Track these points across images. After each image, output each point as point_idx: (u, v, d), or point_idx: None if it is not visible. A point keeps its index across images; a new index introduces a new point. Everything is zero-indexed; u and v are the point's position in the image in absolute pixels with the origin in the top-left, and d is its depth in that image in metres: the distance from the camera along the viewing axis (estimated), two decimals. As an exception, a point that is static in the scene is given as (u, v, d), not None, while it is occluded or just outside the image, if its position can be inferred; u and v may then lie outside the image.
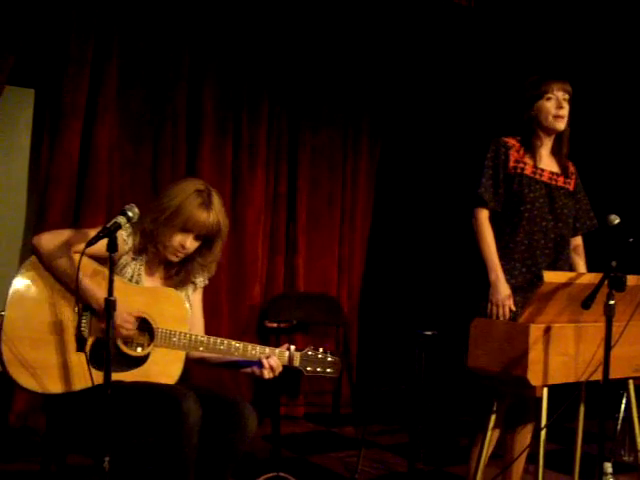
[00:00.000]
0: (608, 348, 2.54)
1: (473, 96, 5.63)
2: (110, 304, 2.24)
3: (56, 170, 4.25)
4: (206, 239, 2.67)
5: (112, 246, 2.27)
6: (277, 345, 2.73)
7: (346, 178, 5.43)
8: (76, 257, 2.47)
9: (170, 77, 4.66)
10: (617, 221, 2.88)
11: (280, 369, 2.65)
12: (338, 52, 5.30)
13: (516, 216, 3.07)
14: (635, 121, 5.51)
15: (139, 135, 4.60)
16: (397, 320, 5.35)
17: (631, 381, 3.01)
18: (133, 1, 4.51)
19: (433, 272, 5.53)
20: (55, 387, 2.45)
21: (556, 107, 3.06)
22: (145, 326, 2.56)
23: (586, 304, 2.50)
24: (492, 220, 3.09)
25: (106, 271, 2.49)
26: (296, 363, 2.67)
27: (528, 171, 3.09)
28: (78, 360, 2.47)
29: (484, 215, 3.08)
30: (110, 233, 2.28)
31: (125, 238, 2.59)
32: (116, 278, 2.47)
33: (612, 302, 2.54)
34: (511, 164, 3.08)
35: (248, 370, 2.67)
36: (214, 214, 2.62)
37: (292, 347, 2.67)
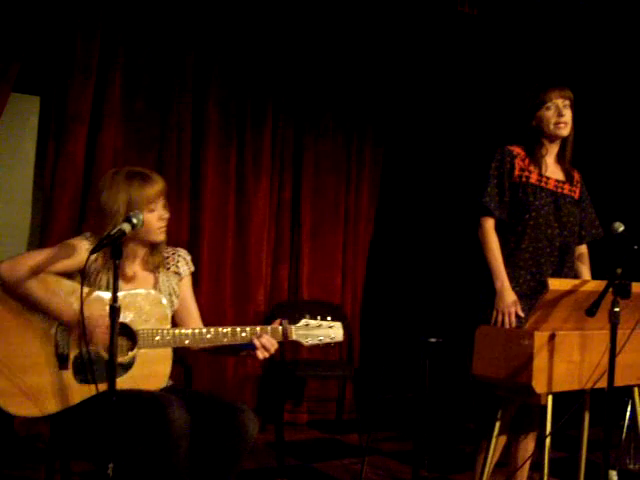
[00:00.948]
0: (613, 355, 2.54)
1: (476, 103, 5.63)
2: (114, 311, 2.24)
3: (61, 177, 4.26)
4: None
5: (117, 253, 2.27)
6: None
7: (350, 185, 5.43)
8: (45, 277, 2.46)
9: (174, 85, 4.67)
10: (622, 228, 2.88)
11: (275, 346, 2.58)
12: (342, 60, 5.30)
13: (521, 224, 3.07)
14: (637, 128, 5.51)
15: (143, 143, 4.61)
16: (401, 327, 5.34)
17: (636, 389, 3.00)
18: (138, 9, 4.52)
19: (437, 279, 5.52)
20: (52, 407, 2.45)
21: (556, 115, 3.06)
22: (126, 330, 2.53)
23: (591, 311, 2.50)
24: (497, 228, 3.09)
25: (76, 285, 2.49)
26: (292, 337, 2.60)
27: (533, 179, 3.08)
28: (65, 377, 2.47)
29: (490, 224, 3.07)
30: (114, 240, 2.27)
31: (88, 247, 2.51)
32: (88, 289, 2.48)
33: (617, 309, 2.53)
34: (516, 172, 3.08)
35: (244, 353, 2.62)
36: (156, 178, 2.62)
37: (285, 321, 2.59)
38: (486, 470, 2.97)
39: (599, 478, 2.65)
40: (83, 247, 2.53)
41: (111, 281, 2.55)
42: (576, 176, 3.23)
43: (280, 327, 2.61)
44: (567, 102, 3.08)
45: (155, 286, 2.68)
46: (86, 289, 2.49)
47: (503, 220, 3.09)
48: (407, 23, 5.34)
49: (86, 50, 4.31)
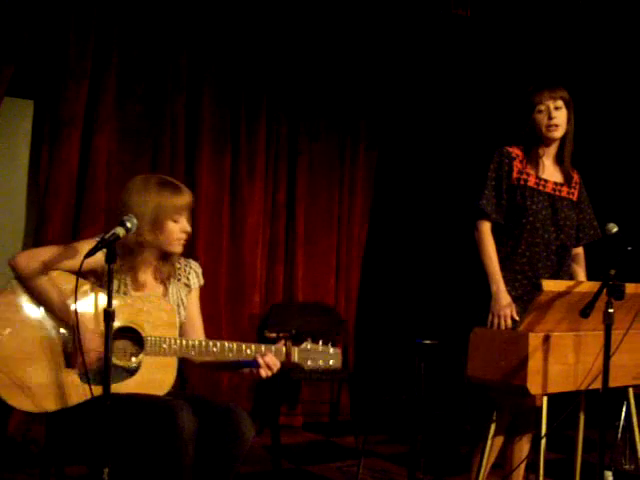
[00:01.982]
0: (607, 356, 2.54)
1: (471, 105, 5.64)
2: (109, 315, 2.24)
3: (55, 180, 4.26)
4: None
5: (111, 257, 2.27)
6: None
7: (344, 187, 5.44)
8: (60, 274, 2.48)
9: (168, 87, 4.68)
10: (615, 229, 2.88)
11: (278, 366, 2.58)
12: (336, 61, 5.31)
13: (518, 228, 3.06)
14: (634, 129, 5.52)
15: (138, 145, 4.61)
16: (396, 329, 5.34)
17: (631, 389, 3.00)
18: (132, 12, 4.52)
19: (432, 281, 5.53)
20: (51, 405, 2.44)
21: (547, 118, 3.04)
22: (134, 336, 2.54)
23: (585, 312, 2.50)
24: (494, 231, 3.08)
25: (88, 285, 2.51)
26: (295, 358, 2.61)
27: (531, 182, 3.07)
28: (69, 376, 2.46)
29: (486, 227, 3.07)
30: (109, 244, 2.27)
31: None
32: (100, 291, 2.48)
33: (611, 310, 2.53)
34: (514, 175, 3.07)
35: (246, 371, 2.62)
36: (185, 191, 2.65)
37: (289, 342, 2.60)
38: (482, 472, 2.97)
39: (595, 479, 2.66)
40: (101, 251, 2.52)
41: (122, 285, 2.59)
42: (575, 177, 3.21)
43: (284, 348, 2.61)
44: (559, 103, 3.05)
45: (165, 296, 2.69)
46: (97, 290, 2.51)
47: (499, 223, 3.09)
48: (401, 25, 5.34)
49: (79, 53, 4.31)
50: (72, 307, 2.43)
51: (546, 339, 2.63)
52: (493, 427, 2.94)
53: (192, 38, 4.75)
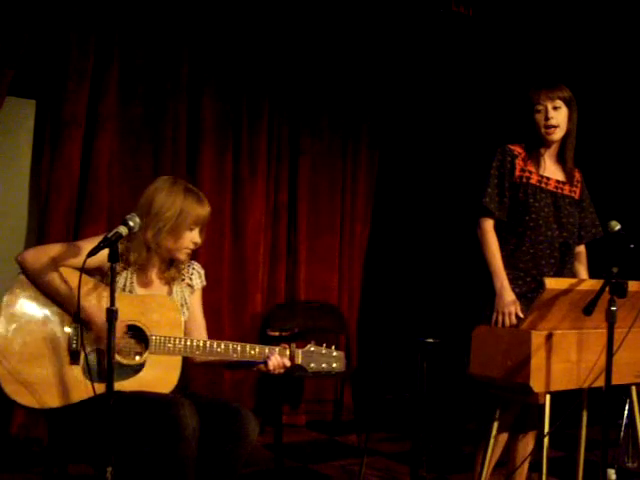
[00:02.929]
0: (610, 354, 2.54)
1: (472, 104, 5.64)
2: (111, 314, 2.24)
3: (57, 180, 4.26)
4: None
5: (114, 256, 2.27)
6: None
7: (345, 186, 5.44)
8: (65, 271, 2.50)
9: (170, 87, 4.67)
10: (618, 227, 2.88)
11: (287, 365, 2.60)
12: (338, 61, 5.31)
13: (521, 225, 3.07)
14: (634, 127, 5.51)
15: (139, 145, 4.61)
16: (399, 328, 5.34)
17: (634, 387, 3.01)
18: (134, 12, 4.52)
19: (435, 279, 5.52)
20: (53, 401, 2.45)
21: (544, 119, 3.04)
22: (139, 334, 2.55)
23: (588, 310, 2.50)
24: (497, 229, 3.08)
25: (95, 282, 2.54)
26: (298, 361, 2.63)
27: (534, 180, 3.08)
28: (73, 373, 2.47)
29: (489, 225, 3.07)
30: (111, 243, 2.28)
31: None
32: (105, 289, 2.49)
33: (614, 308, 2.53)
34: (517, 173, 3.07)
35: (253, 369, 2.65)
36: (207, 204, 2.71)
37: (293, 344, 2.63)
38: (485, 470, 2.97)
39: (597, 477, 2.65)
40: None
41: (128, 283, 2.62)
42: (577, 175, 3.22)
43: (288, 350, 2.63)
44: (558, 103, 3.05)
45: (171, 282, 2.72)
46: (103, 288, 2.53)
47: (502, 221, 3.09)
48: (402, 24, 5.34)
49: (81, 53, 4.30)
50: (83, 303, 2.45)
51: (549, 337, 2.63)
52: (496, 425, 2.95)
53: (193, 38, 4.75)
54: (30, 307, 2.50)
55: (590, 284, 2.68)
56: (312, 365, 2.64)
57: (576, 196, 3.19)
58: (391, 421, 5.02)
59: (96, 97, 4.38)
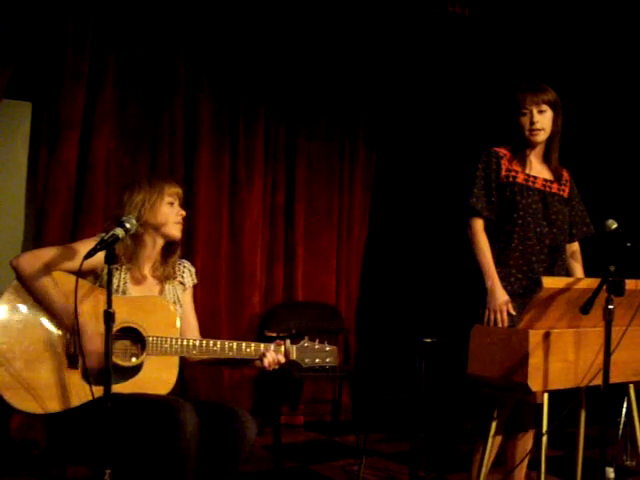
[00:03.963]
0: (608, 353, 2.54)
1: (468, 104, 5.64)
2: (109, 316, 2.24)
3: (54, 182, 4.25)
4: None
5: (110, 258, 2.27)
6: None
7: (343, 186, 5.45)
8: (60, 274, 2.50)
9: (166, 89, 4.67)
10: (615, 226, 2.89)
11: (282, 361, 2.65)
12: (333, 61, 5.31)
13: (510, 223, 3.08)
14: (631, 126, 5.52)
15: (136, 146, 4.61)
16: (396, 328, 5.35)
17: (631, 385, 3.01)
18: (129, 13, 4.52)
19: (432, 279, 5.53)
20: (53, 406, 2.45)
21: (530, 122, 3.07)
22: (136, 336, 2.55)
23: (585, 309, 2.50)
24: (486, 228, 3.10)
25: (90, 286, 2.53)
26: (293, 356, 2.67)
27: (520, 179, 3.10)
28: (72, 377, 2.47)
29: (479, 224, 3.09)
30: (108, 245, 2.28)
31: None
32: (100, 292, 2.48)
33: (611, 307, 2.54)
34: (503, 173, 3.10)
35: (253, 364, 2.69)
36: (174, 181, 2.81)
37: (287, 341, 2.67)
38: (483, 470, 2.97)
39: (596, 475, 2.66)
40: None
41: (122, 283, 2.62)
42: (565, 175, 3.24)
43: (282, 346, 2.66)
44: (543, 106, 3.07)
45: (161, 294, 2.72)
46: (98, 290, 2.53)
47: (492, 220, 3.10)
48: (398, 24, 5.34)
49: (77, 55, 4.30)
50: (73, 308, 2.42)
51: (546, 336, 2.63)
52: (494, 425, 2.94)
53: (189, 38, 4.75)
54: (27, 311, 2.49)
55: (587, 283, 2.68)
56: (306, 360, 2.68)
57: (565, 194, 3.21)
58: (390, 421, 5.02)
59: (92, 98, 4.38)
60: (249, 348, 2.62)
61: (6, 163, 4.38)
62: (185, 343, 2.57)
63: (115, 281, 2.60)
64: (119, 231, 2.34)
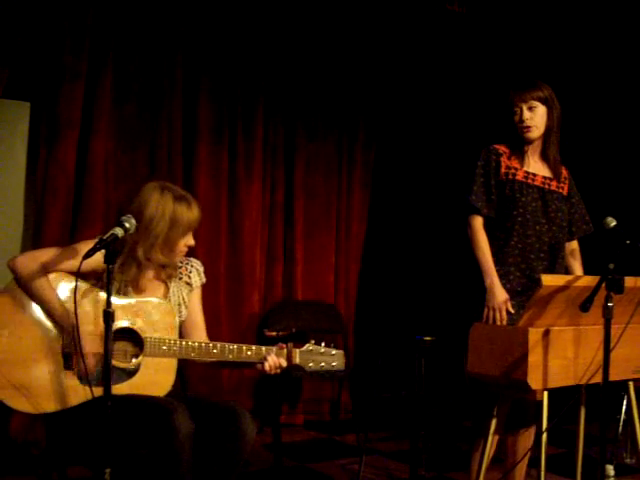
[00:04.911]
0: (607, 350, 2.54)
1: (467, 102, 5.64)
2: (108, 316, 2.24)
3: (52, 182, 4.25)
4: None
5: (110, 258, 2.27)
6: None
7: (341, 185, 5.44)
8: (60, 275, 2.49)
9: (165, 88, 4.67)
10: (614, 224, 2.88)
11: (284, 365, 2.59)
12: (332, 59, 5.31)
13: (509, 221, 3.08)
14: (631, 124, 5.52)
15: (135, 146, 4.60)
16: (396, 326, 5.35)
17: (631, 383, 3.01)
18: (127, 12, 4.51)
19: (431, 277, 5.53)
20: (49, 406, 2.44)
21: (519, 120, 3.07)
22: (134, 337, 2.54)
23: (585, 307, 2.50)
24: (486, 226, 3.10)
25: (88, 286, 2.52)
26: (296, 360, 2.60)
27: (520, 176, 3.10)
28: (68, 377, 2.46)
29: (478, 222, 3.09)
30: (107, 245, 2.27)
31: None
32: (100, 292, 2.48)
33: (611, 304, 2.54)
34: (502, 170, 3.09)
35: (258, 367, 2.63)
36: (197, 207, 2.65)
37: (290, 344, 2.60)
38: (483, 467, 2.97)
39: (596, 473, 2.66)
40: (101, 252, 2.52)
41: (122, 285, 2.60)
42: (564, 172, 3.24)
43: (284, 350, 2.60)
44: (532, 103, 3.07)
45: (165, 296, 2.70)
46: (97, 292, 2.52)
47: (491, 218, 3.10)
48: (396, 22, 5.34)
49: (75, 54, 4.29)
50: (71, 309, 2.42)
51: (546, 334, 2.63)
52: (494, 423, 2.94)
53: (187, 37, 4.74)
54: (23, 312, 2.48)
55: (587, 280, 2.68)
56: (311, 365, 2.61)
57: (564, 192, 3.20)
58: (389, 420, 5.02)
59: (91, 98, 4.37)
60: (250, 351, 2.58)
61: (5, 163, 4.37)
62: (184, 345, 2.56)
63: (117, 283, 2.59)
64: (119, 230, 2.33)
